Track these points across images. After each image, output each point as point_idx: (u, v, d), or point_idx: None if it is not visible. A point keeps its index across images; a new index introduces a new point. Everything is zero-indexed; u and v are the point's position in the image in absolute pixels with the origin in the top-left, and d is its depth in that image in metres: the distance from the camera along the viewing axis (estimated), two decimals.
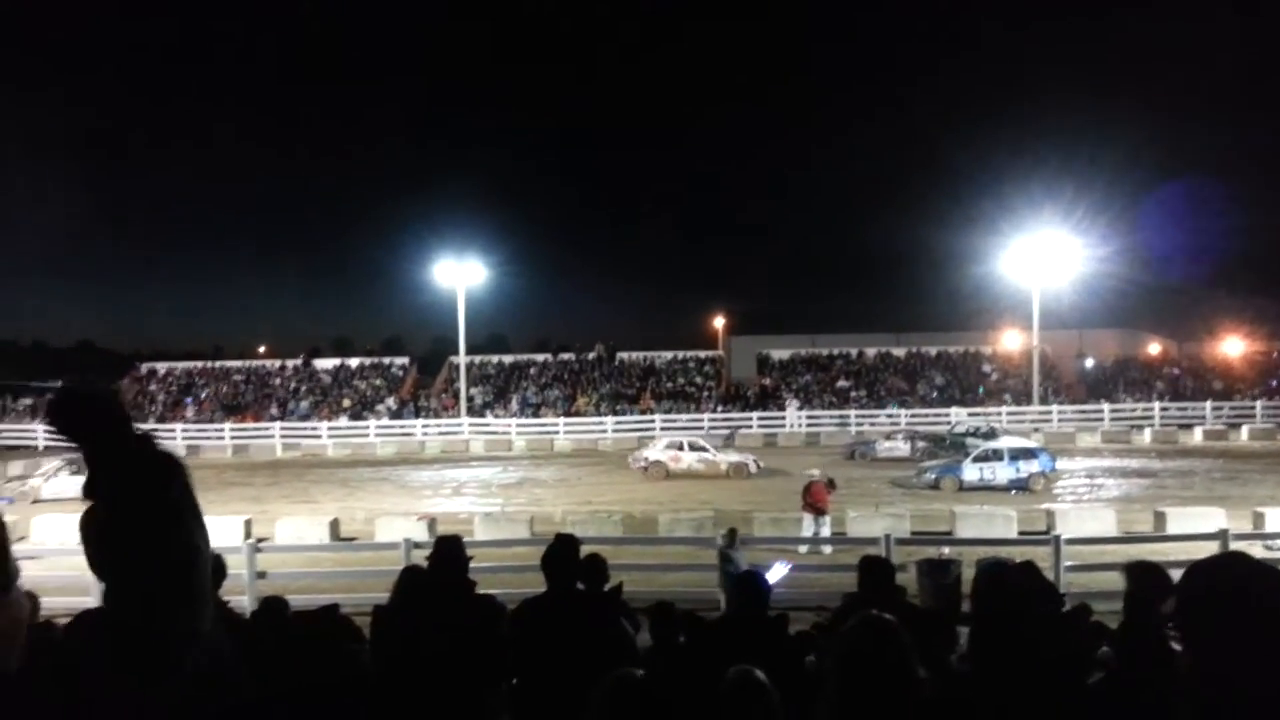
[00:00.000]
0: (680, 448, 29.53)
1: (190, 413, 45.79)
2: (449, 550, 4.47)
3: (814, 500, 17.16)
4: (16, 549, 2.08)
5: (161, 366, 52.23)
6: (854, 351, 51.17)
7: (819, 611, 11.10)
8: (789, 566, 6.91)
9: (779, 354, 51.19)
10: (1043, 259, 43.06)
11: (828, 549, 15.54)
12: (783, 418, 43.22)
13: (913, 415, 42.69)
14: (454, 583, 4.41)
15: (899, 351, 51.07)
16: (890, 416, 42.59)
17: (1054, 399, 45.24)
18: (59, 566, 13.11)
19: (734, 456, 29.76)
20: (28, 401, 48.56)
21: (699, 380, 48.98)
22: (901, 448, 33.06)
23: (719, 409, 44.99)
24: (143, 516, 2.15)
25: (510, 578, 11.91)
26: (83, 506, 2.27)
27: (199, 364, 52.65)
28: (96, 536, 2.18)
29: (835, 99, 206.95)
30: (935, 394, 46.79)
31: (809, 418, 43.25)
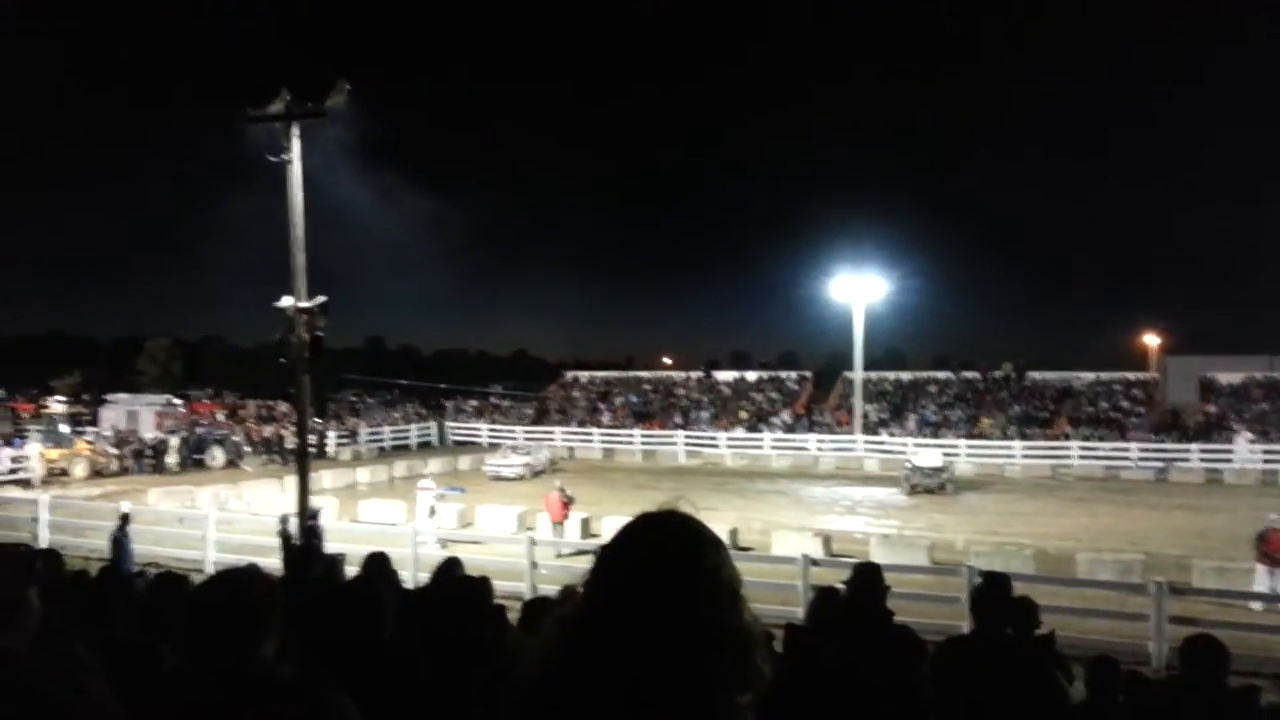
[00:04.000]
0: None
1: (606, 418, 50.27)
2: (869, 577, 4.39)
3: (1272, 550, 14.88)
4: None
5: (584, 375, 58.07)
6: None
7: None
8: None
9: (1228, 378, 44.07)
10: None
11: None
12: (1230, 451, 37.26)
13: None
14: (872, 610, 4.32)
15: None
16: None
17: None
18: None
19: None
20: (474, 404, 56.72)
21: (1125, 405, 43.87)
22: None
23: (1151, 438, 39.88)
24: None
25: (906, 605, 11.53)
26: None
27: (614, 373, 57.81)
28: None
29: None
30: None
31: (1265, 453, 36.85)
